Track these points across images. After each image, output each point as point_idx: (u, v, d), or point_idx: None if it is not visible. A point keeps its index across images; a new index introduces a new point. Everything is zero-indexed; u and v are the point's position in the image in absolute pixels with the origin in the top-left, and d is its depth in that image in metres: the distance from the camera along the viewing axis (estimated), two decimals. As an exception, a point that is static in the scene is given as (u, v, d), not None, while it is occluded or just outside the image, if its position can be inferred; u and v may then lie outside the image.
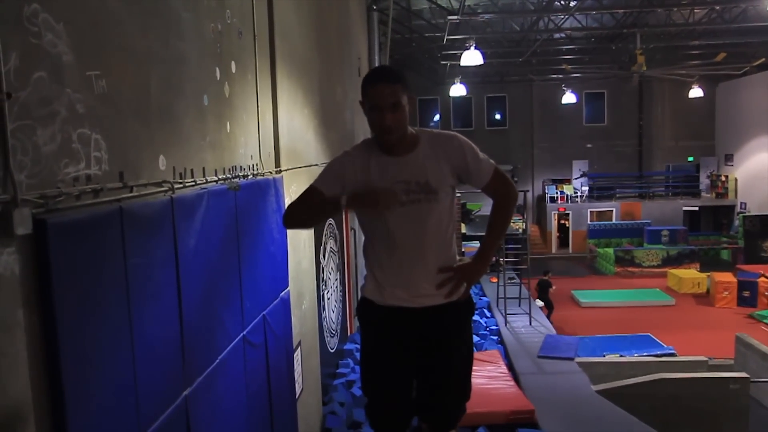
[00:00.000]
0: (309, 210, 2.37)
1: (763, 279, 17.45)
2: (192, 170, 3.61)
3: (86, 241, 2.35)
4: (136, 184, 2.85)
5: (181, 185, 3.37)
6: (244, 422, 4.29)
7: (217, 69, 4.11)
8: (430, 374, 2.58)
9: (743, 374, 8.35)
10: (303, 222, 2.67)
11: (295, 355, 6.02)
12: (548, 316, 15.82)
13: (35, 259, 2.10)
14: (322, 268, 8.22)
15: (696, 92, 23.24)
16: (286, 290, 5.61)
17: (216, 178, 3.99)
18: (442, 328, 2.47)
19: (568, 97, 26.04)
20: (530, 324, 11.43)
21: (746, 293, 17.31)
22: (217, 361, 3.78)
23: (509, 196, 2.44)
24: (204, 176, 3.80)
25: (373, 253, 2.47)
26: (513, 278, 13.96)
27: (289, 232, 5.73)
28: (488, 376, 8.73)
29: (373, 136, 2.33)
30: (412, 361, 2.55)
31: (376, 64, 15.47)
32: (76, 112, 2.33)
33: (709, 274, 18.85)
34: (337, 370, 9.19)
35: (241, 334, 4.30)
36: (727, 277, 18.03)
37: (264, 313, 4.87)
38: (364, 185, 2.24)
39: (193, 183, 3.58)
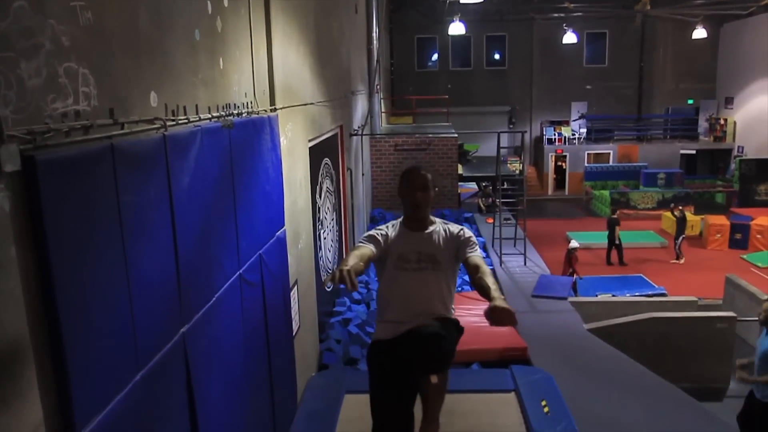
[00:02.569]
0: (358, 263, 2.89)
1: (755, 222, 17.59)
2: (185, 107, 3.54)
3: (77, 178, 2.32)
4: (127, 121, 2.80)
5: (173, 122, 3.31)
6: (241, 358, 4.37)
7: (209, 2, 3.99)
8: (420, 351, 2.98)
9: (730, 313, 8.51)
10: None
11: (291, 294, 6.09)
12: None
13: (26, 197, 2.07)
14: (319, 208, 8.22)
15: (700, 33, 22.78)
16: (282, 229, 5.62)
17: (209, 116, 3.93)
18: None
19: (569, 37, 25.52)
20: (525, 264, 11.55)
21: (738, 236, 17.48)
22: (214, 298, 3.82)
23: (483, 268, 2.99)
24: (197, 114, 3.73)
25: (386, 303, 3.10)
26: (509, 219, 14.01)
27: (285, 171, 5.70)
28: (482, 314, 8.87)
29: (400, 219, 3.16)
30: (412, 390, 3.15)
31: (374, 3, 15.08)
32: (62, 45, 2.26)
33: (702, 216, 18.97)
34: (334, 309, 9.33)
35: (238, 273, 4.33)
36: (721, 220, 18.17)
37: (260, 252, 4.89)
38: (395, 250, 3.05)
39: (186, 120, 3.52)
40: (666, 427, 6.15)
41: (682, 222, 16.44)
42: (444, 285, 3.06)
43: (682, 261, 16.18)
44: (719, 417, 6.63)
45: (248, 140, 4.65)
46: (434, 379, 2.87)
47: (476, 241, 3.09)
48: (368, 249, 2.99)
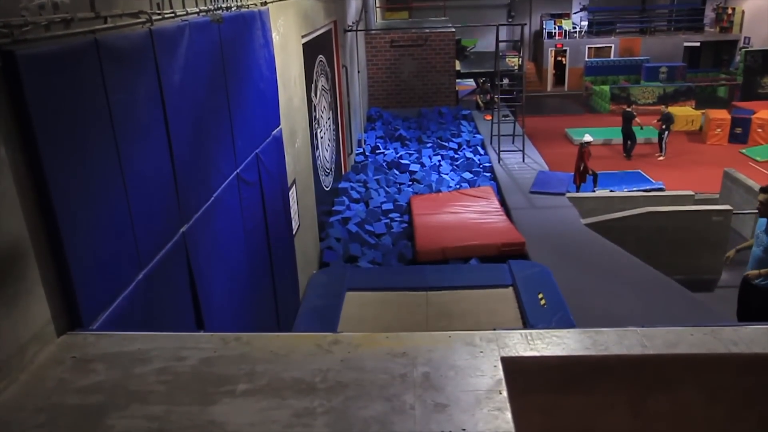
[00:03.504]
0: None
1: (756, 116, 17.37)
2: (170, 1, 3.37)
3: (62, 74, 2.23)
4: (111, 15, 2.67)
5: (159, 17, 3.17)
6: (242, 257, 4.43)
7: None
8: None
9: (726, 207, 8.57)
10: None
11: (290, 193, 6.09)
12: (630, 149, 15.93)
13: (8, 94, 2.00)
14: (314, 107, 8.07)
15: None
16: (278, 128, 5.54)
17: (197, 10, 3.75)
18: None
19: None
20: (523, 161, 11.51)
21: (738, 130, 17.30)
22: (212, 198, 3.81)
23: None
24: (184, 8, 3.56)
25: None
26: (507, 116, 13.81)
27: (278, 68, 5.53)
28: (481, 210, 8.94)
29: None
30: None
31: None
32: (33, -72, 2.11)
33: (703, 111, 18.72)
34: (333, 208, 9.38)
35: (235, 172, 4.30)
36: (722, 114, 17.93)
37: (257, 151, 4.84)
38: None
39: (173, 14, 3.36)
40: (659, 316, 6.34)
41: (668, 119, 16.24)
42: None
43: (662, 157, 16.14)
44: (710, 306, 6.83)
45: (239, 36, 4.47)
46: None
47: None
48: None
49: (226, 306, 3.99)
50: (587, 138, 12.32)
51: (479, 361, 2.04)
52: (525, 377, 2.08)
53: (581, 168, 11.52)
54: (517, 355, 2.08)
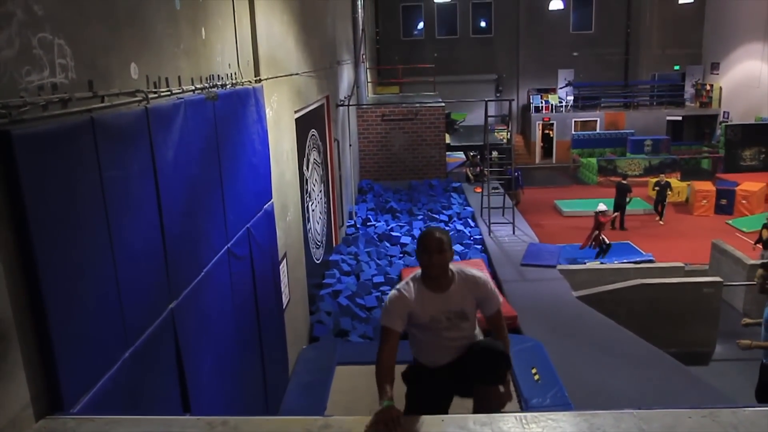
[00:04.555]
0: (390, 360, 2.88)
1: (740, 188, 17.71)
2: (167, 79, 3.45)
3: (57, 153, 2.25)
4: (108, 94, 2.72)
5: (155, 95, 3.23)
6: (232, 332, 4.35)
7: (188, -31, 3.86)
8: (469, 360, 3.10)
9: (716, 278, 8.60)
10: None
11: (281, 267, 6.06)
12: (622, 221, 16.18)
13: (3, 173, 2.00)
14: (306, 180, 8.15)
15: (686, -3, 22.61)
16: (269, 202, 5.56)
17: (193, 88, 3.83)
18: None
19: (556, 3, 25.26)
20: (513, 233, 11.57)
21: (723, 201, 17.60)
22: (203, 273, 3.77)
23: (504, 338, 3.17)
24: (180, 85, 3.64)
25: (419, 349, 3.20)
26: (497, 188, 14.00)
27: (271, 143, 5.62)
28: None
29: (419, 274, 3.06)
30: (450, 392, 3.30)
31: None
32: (35, 15, 2.17)
33: (689, 183, 19.07)
34: (323, 281, 9.31)
35: (226, 247, 4.28)
36: (707, 186, 18.27)
37: (248, 225, 4.84)
38: (422, 315, 3.00)
39: (169, 92, 3.43)
40: (654, 391, 6.23)
41: (664, 189, 16.69)
42: (471, 326, 3.16)
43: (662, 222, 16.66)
44: (706, 381, 6.73)
45: (233, 112, 4.56)
46: (502, 388, 3.06)
47: (495, 291, 3.16)
48: (397, 335, 2.94)
49: (214, 384, 3.89)
50: (601, 207, 12.77)
51: (474, 446, 1.98)
52: (522, 463, 2.02)
53: (595, 235, 11.90)
54: (513, 439, 2.02)
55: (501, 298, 3.21)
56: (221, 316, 4.14)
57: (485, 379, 3.06)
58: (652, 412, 2.12)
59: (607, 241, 12.89)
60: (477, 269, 3.21)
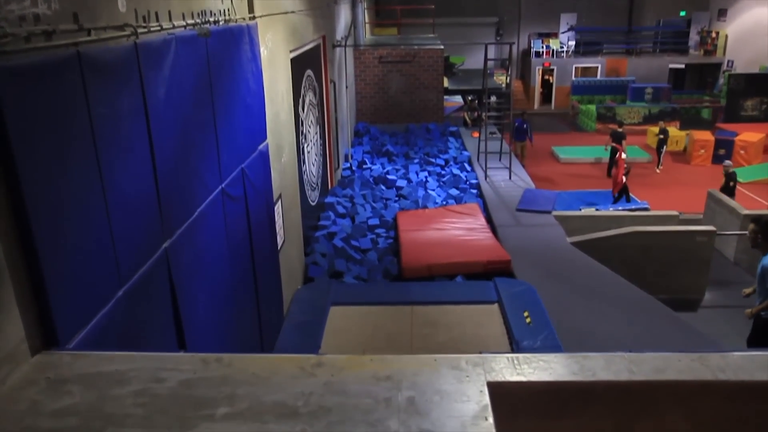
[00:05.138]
0: None
1: (739, 138, 17.61)
2: (156, 13, 3.34)
3: (42, 87, 2.18)
4: (94, 27, 2.62)
5: (145, 29, 3.13)
6: (226, 272, 4.37)
7: None
8: None
9: (710, 227, 8.64)
10: None
11: (276, 208, 6.04)
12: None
13: (-13, 107, 1.95)
14: (302, 121, 8.05)
15: (696, -62, 21.92)
16: (264, 143, 5.50)
17: (184, 23, 3.72)
18: None
19: (561, -58, 24.53)
20: (510, 178, 11.54)
21: (722, 151, 17.53)
22: (196, 213, 3.75)
23: None
24: (170, 21, 3.53)
25: None
26: (494, 133, 13.88)
27: (265, 83, 5.51)
28: (467, 227, 8.93)
29: None
30: None
31: None
32: (17, -61, 2.07)
33: (688, 132, 18.95)
34: (319, 222, 9.33)
35: (220, 187, 4.25)
36: (706, 136, 18.17)
37: (242, 166, 4.79)
38: None
39: (159, 27, 3.33)
40: (644, 336, 6.34)
41: (665, 134, 16.62)
42: None
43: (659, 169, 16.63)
44: (694, 327, 6.84)
45: (226, 50, 4.44)
46: None
47: None
48: None
49: (209, 322, 3.92)
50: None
51: (465, 385, 2.00)
52: (511, 402, 2.05)
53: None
54: (503, 380, 2.04)
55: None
56: (216, 256, 4.15)
57: None
58: (642, 355, 2.15)
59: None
60: None
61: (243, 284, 4.82)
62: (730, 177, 12.21)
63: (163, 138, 3.25)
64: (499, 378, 2.05)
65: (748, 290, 6.04)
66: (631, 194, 13.10)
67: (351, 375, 2.06)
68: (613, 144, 14.99)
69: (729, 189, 12.07)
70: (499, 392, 2.00)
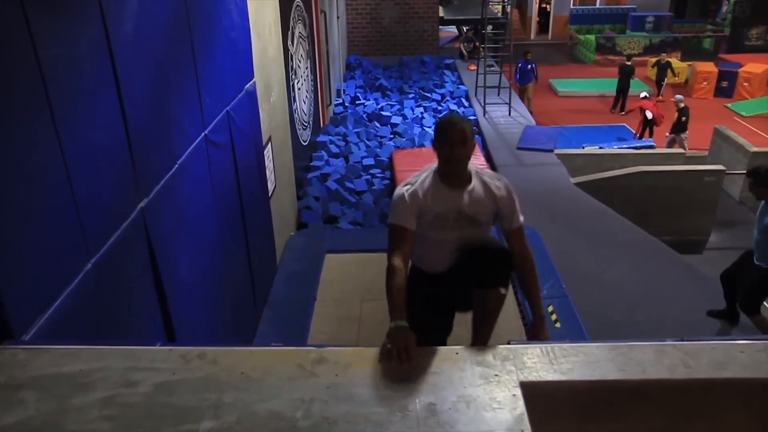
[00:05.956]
0: (403, 266, 2.50)
1: (743, 69, 17.03)
2: (120, -68, 2.84)
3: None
4: (40, -52, 2.16)
5: (106, -48, 2.64)
6: (213, 226, 4.01)
7: None
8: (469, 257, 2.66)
9: (719, 167, 8.32)
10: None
11: (265, 152, 5.62)
12: (624, 104, 15.44)
13: None
14: (291, 56, 7.51)
15: None
16: (251, 82, 5.03)
17: (154, -55, 3.21)
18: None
19: None
20: (509, 114, 11.08)
21: (724, 83, 16.96)
22: (177, 165, 3.36)
23: (529, 260, 2.73)
24: (138, -59, 3.02)
25: (419, 254, 2.76)
26: (492, 66, 13.27)
27: (251, 14, 4.99)
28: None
29: (434, 168, 2.68)
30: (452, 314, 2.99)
31: None
32: None
33: (689, 63, 18.31)
34: (311, 163, 8.92)
35: (203, 134, 3.83)
36: (708, 67, 17.54)
37: (227, 108, 4.35)
38: (430, 210, 2.61)
39: (123, -51, 2.83)
40: (649, 281, 6.11)
41: (664, 69, 15.88)
42: (483, 233, 2.73)
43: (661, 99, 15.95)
44: (699, 269, 6.62)
45: (205, -24, 3.93)
46: (503, 290, 2.57)
47: (518, 207, 2.72)
48: (410, 235, 2.57)
49: (195, 285, 3.60)
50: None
51: (495, 387, 1.69)
52: (548, 404, 1.74)
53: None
54: (539, 379, 1.73)
55: (521, 217, 2.75)
56: (201, 211, 3.78)
57: (483, 282, 2.56)
58: (697, 344, 1.84)
59: (650, 117, 12.49)
60: (496, 174, 2.74)
61: (232, 236, 4.47)
62: (682, 112, 11.84)
63: (134, 82, 2.81)
64: (534, 377, 1.74)
65: None
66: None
67: (358, 374, 1.75)
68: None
69: (681, 124, 11.79)
70: (535, 394, 1.70)
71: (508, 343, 1.88)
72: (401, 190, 2.64)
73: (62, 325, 2.13)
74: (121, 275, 2.67)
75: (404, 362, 1.88)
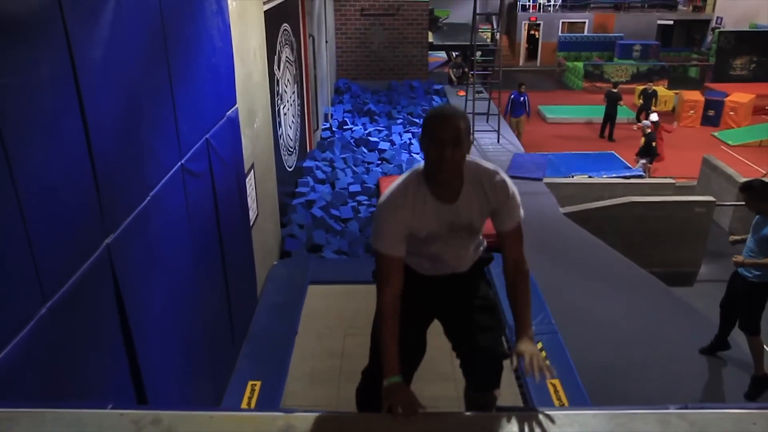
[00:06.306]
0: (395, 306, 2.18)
1: (729, 99, 17.17)
2: (91, -47, 2.69)
3: None
4: (-3, -31, 2.00)
5: (74, -27, 2.49)
6: (188, 260, 3.82)
7: None
8: (456, 318, 2.45)
9: (709, 198, 8.24)
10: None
11: (247, 180, 5.45)
12: (611, 131, 15.33)
13: None
14: (277, 81, 7.38)
15: None
16: (233, 108, 4.88)
17: (130, -33, 3.06)
18: (460, 282, 2.49)
19: None
20: (498, 141, 11.01)
21: (711, 112, 17.10)
22: (149, 198, 3.17)
23: (523, 273, 2.34)
24: (111, -37, 2.87)
25: (417, 260, 2.41)
26: (481, 92, 13.24)
27: (235, 39, 4.85)
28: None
29: (417, 175, 2.22)
30: (428, 314, 2.57)
31: None
32: None
33: (676, 92, 18.46)
34: (296, 189, 8.76)
35: (179, 163, 3.66)
36: (695, 96, 17.69)
37: (207, 136, 4.19)
38: (419, 231, 2.24)
39: (94, -29, 2.68)
40: (641, 317, 5.97)
41: (649, 98, 15.87)
42: (477, 237, 2.44)
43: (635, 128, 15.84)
44: (690, 302, 6.49)
45: (185, 2, 3.79)
46: (497, 392, 2.35)
47: (518, 203, 2.30)
48: (399, 263, 2.21)
49: (166, 324, 3.39)
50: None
51: (482, 464, 1.51)
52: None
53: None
54: (531, 455, 1.56)
55: (522, 212, 2.33)
56: (175, 244, 3.59)
57: (478, 387, 2.38)
58: (703, 413, 1.68)
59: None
60: (493, 168, 2.30)
61: (209, 271, 4.27)
62: (650, 138, 11.95)
63: (102, 110, 2.64)
64: (526, 450, 1.56)
65: (735, 237, 5.55)
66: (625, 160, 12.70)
67: (331, 447, 1.56)
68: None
69: (650, 149, 12.02)
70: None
71: (497, 408, 1.71)
72: (385, 204, 2.20)
73: (7, 382, 1.93)
74: (82, 319, 2.47)
75: (410, 416, 1.78)
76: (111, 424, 1.63)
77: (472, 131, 10.90)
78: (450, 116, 2.11)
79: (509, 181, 2.28)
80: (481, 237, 2.46)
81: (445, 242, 2.30)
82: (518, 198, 2.30)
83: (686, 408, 1.69)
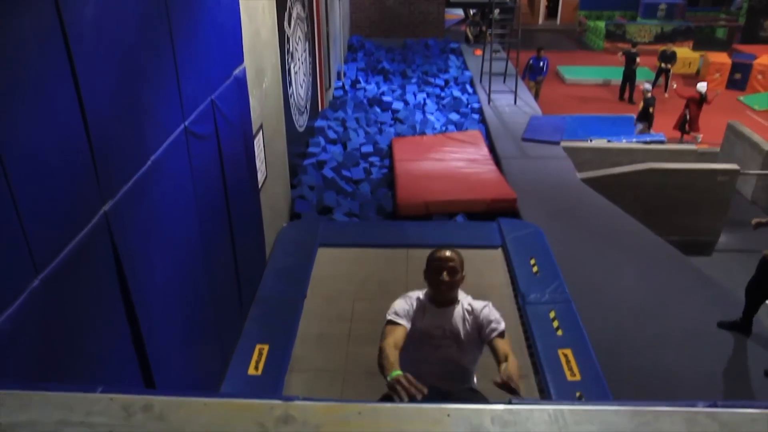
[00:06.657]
0: (395, 345, 2.65)
1: (758, 61, 16.57)
2: None
3: None
4: None
5: None
6: (193, 225, 3.71)
7: None
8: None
9: (733, 166, 7.97)
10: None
11: (255, 141, 5.31)
12: (632, 93, 14.88)
13: None
14: (288, 38, 7.15)
15: None
16: (241, 67, 4.70)
17: None
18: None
19: None
20: (515, 103, 10.71)
21: (738, 75, 16.51)
22: (149, 162, 3.05)
23: (512, 358, 2.68)
24: None
25: (410, 361, 2.75)
26: (498, 51, 12.86)
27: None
28: (468, 159, 8.24)
29: (423, 293, 2.96)
30: None
31: None
32: None
33: (702, 53, 17.84)
34: (307, 149, 8.61)
35: (182, 126, 3.52)
36: (722, 58, 17.06)
37: (212, 96, 4.04)
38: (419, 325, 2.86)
39: None
40: (657, 287, 5.82)
41: (669, 60, 15.34)
42: (466, 361, 2.97)
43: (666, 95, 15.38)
44: (708, 273, 6.32)
45: (189, -48, 3.59)
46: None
47: (500, 319, 2.85)
48: (402, 329, 2.77)
49: (170, 291, 3.31)
50: (702, 87, 11.75)
51: (493, 464, 1.40)
52: (556, 483, 1.46)
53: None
54: (546, 455, 1.44)
55: (503, 324, 2.83)
56: (179, 209, 3.48)
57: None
58: (733, 413, 1.54)
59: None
60: (483, 302, 2.94)
61: (215, 235, 4.17)
62: (649, 102, 11.49)
63: (95, 71, 2.50)
64: (541, 450, 1.45)
65: (759, 220, 5.34)
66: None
67: (331, 441, 1.46)
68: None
69: (648, 115, 11.54)
70: (541, 472, 1.41)
71: (510, 402, 1.59)
72: (397, 300, 2.90)
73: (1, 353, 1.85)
74: (79, 290, 2.38)
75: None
76: (99, 409, 1.53)
77: (488, 92, 10.70)
78: (449, 254, 2.82)
79: (489, 304, 2.90)
80: (472, 369, 3.00)
81: (436, 348, 2.87)
82: (502, 321, 2.83)
83: (716, 406, 1.56)
